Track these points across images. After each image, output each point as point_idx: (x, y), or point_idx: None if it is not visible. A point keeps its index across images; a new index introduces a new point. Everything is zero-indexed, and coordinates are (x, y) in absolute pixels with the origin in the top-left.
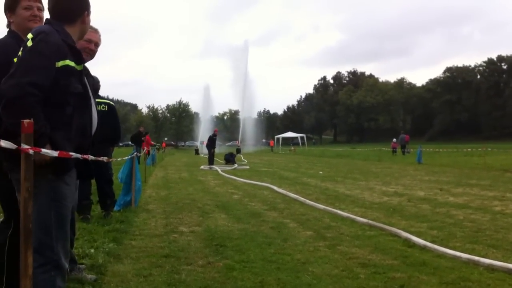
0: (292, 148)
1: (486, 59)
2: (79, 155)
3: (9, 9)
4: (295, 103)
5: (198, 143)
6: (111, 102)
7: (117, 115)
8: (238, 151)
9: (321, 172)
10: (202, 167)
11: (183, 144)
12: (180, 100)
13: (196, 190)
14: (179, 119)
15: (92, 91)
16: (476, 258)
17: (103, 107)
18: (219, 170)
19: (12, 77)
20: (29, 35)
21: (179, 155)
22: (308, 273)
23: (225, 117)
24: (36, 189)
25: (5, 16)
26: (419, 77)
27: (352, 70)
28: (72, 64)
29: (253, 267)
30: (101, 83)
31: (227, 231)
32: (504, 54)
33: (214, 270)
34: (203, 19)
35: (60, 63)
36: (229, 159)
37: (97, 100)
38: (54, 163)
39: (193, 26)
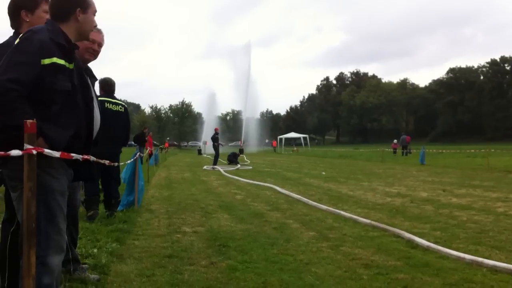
0: (295, 148)
1: (489, 60)
2: (79, 156)
3: (28, 8)
4: (298, 103)
5: (201, 143)
6: (125, 104)
7: (129, 117)
8: (241, 151)
9: (324, 173)
10: (205, 167)
11: (185, 144)
12: (183, 101)
13: (199, 190)
14: (182, 119)
15: (94, 91)
16: (480, 259)
17: (120, 108)
18: (221, 170)
19: None
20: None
21: (182, 155)
22: (311, 274)
23: (228, 117)
24: (21, 184)
25: (12, 16)
26: (422, 78)
27: (355, 71)
28: (61, 62)
29: (256, 267)
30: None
31: (230, 232)
32: (507, 55)
33: (217, 270)
34: (205, 20)
35: (46, 61)
36: (232, 159)
37: (114, 101)
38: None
39: (196, 27)
